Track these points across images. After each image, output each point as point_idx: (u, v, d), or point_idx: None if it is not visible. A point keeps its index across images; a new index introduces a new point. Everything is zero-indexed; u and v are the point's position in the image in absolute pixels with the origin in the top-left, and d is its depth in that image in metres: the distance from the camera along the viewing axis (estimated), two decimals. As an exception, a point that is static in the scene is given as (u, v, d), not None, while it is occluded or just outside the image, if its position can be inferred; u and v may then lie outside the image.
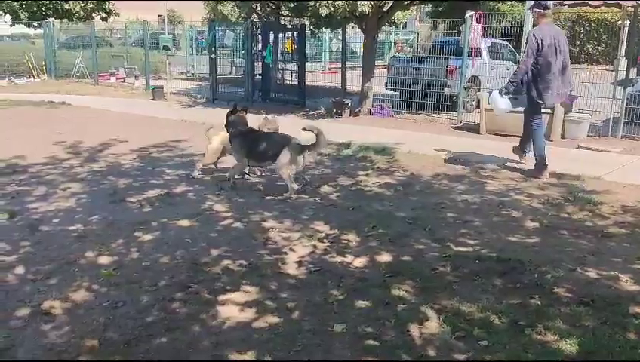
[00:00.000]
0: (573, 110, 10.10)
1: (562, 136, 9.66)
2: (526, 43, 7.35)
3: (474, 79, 12.68)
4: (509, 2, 18.29)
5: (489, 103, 8.41)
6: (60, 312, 3.59)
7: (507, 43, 14.29)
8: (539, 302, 3.70)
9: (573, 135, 9.65)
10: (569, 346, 3.18)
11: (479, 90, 12.11)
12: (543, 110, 7.33)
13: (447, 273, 4.19)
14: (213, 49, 15.00)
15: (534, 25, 7.43)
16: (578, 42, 26.41)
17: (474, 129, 10.55)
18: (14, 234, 4.96)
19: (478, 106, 11.10)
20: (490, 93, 8.14)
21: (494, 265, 4.31)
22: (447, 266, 4.30)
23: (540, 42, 6.80)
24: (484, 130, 10.20)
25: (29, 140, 9.20)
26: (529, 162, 7.46)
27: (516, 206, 5.91)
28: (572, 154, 8.64)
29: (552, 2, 7.23)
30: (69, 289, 3.88)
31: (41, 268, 4.24)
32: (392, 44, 26.75)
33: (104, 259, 4.43)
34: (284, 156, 6.15)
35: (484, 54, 13.01)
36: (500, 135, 9.89)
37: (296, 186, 6.20)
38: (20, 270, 4.21)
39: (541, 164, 7.09)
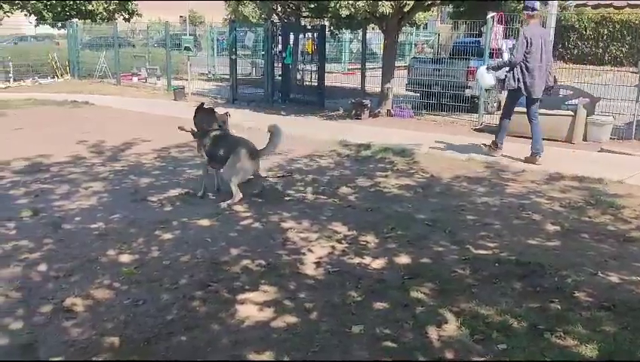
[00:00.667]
0: (595, 112, 9.98)
1: (584, 139, 9.55)
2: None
3: (495, 81, 12.58)
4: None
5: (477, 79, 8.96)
6: (82, 309, 3.64)
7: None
8: (559, 306, 3.67)
9: (595, 137, 9.53)
10: (589, 351, 3.15)
11: (500, 92, 12.02)
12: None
13: (466, 276, 4.18)
14: (233, 50, 15.08)
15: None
16: (601, 44, 26.05)
17: (495, 131, 10.44)
18: (37, 231, 5.04)
19: (499, 108, 11.00)
20: (477, 68, 8.77)
21: (514, 269, 4.29)
22: (467, 269, 4.28)
23: (529, 40, 7.53)
24: (505, 132, 10.11)
25: (53, 139, 9.33)
26: (538, 159, 7.87)
27: (537, 209, 5.86)
28: (594, 156, 8.53)
29: (538, 4, 7.94)
30: (91, 287, 3.94)
31: (63, 265, 4.31)
32: (413, 45, 26.64)
33: (125, 258, 4.48)
34: (233, 160, 5.90)
35: (506, 55, 12.88)
36: (521, 137, 9.80)
37: (240, 195, 5.88)
38: (42, 267, 4.29)
39: (497, 144, 8.26)
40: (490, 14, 11.04)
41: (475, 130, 10.95)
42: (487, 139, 9.91)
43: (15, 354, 3.15)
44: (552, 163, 7.73)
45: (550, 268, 4.27)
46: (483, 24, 11.59)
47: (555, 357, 3.09)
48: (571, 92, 10.13)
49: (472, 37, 14.12)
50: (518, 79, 7.63)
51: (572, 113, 9.49)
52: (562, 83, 11.18)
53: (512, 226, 5.33)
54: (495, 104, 12.11)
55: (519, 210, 5.83)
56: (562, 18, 24.09)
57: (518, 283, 4.03)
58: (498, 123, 8.46)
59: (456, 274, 4.20)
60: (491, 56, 11.38)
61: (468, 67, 12.15)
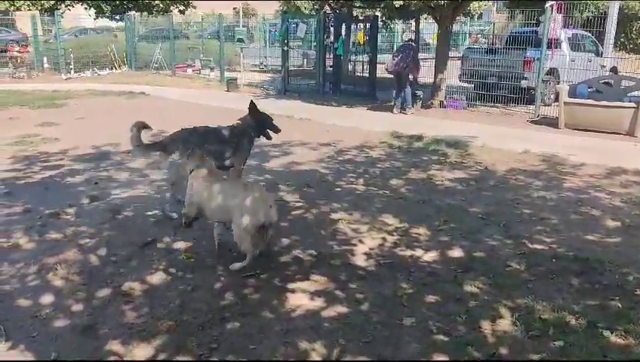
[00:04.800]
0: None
1: (648, 132, 9.17)
2: None
3: (552, 71, 12.22)
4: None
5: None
6: (139, 293, 3.74)
7: (589, 34, 13.67)
8: (619, 304, 3.55)
9: (660, 131, 9.14)
10: (652, 352, 3.03)
11: (558, 83, 11.67)
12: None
13: (521, 271, 4.08)
14: (285, 41, 15.14)
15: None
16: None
17: (552, 123, 10.19)
18: (97, 217, 5.20)
19: (556, 100, 10.68)
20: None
21: (571, 265, 4.17)
22: (522, 264, 4.19)
23: None
24: (563, 124, 9.82)
25: (112, 128, 9.58)
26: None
27: (596, 204, 5.67)
28: (658, 151, 8.18)
29: None
30: (147, 272, 4.04)
31: (121, 250, 4.44)
32: (467, 35, 26.13)
33: (180, 244, 4.58)
34: None
35: (564, 46, 12.49)
36: (581, 130, 9.50)
37: None
38: (101, 252, 4.42)
39: (398, 108, 11.92)
40: (549, 3, 10.70)
41: (531, 122, 10.67)
42: (545, 131, 9.68)
43: (76, 334, 3.26)
44: (613, 157, 7.47)
45: (610, 265, 4.13)
46: (541, 13, 11.26)
47: (616, 357, 2.99)
48: (634, 83, 9.74)
49: (529, 26, 13.74)
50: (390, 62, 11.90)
51: (634, 105, 9.12)
52: (624, 73, 10.77)
53: (570, 221, 5.18)
54: (552, 96, 11.75)
55: (577, 204, 5.66)
56: (625, 7, 23.12)
57: (575, 280, 3.92)
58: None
59: (511, 269, 4.11)
60: (549, 46, 11.04)
61: (525, 57, 11.82)
